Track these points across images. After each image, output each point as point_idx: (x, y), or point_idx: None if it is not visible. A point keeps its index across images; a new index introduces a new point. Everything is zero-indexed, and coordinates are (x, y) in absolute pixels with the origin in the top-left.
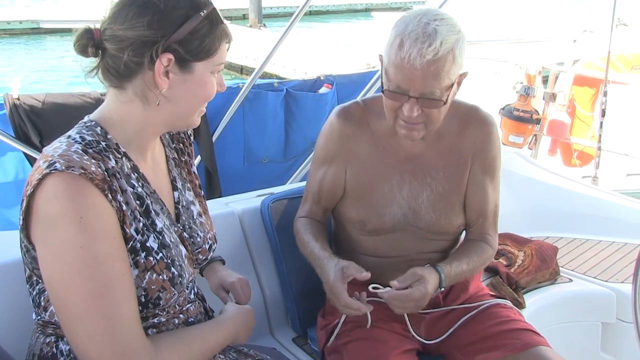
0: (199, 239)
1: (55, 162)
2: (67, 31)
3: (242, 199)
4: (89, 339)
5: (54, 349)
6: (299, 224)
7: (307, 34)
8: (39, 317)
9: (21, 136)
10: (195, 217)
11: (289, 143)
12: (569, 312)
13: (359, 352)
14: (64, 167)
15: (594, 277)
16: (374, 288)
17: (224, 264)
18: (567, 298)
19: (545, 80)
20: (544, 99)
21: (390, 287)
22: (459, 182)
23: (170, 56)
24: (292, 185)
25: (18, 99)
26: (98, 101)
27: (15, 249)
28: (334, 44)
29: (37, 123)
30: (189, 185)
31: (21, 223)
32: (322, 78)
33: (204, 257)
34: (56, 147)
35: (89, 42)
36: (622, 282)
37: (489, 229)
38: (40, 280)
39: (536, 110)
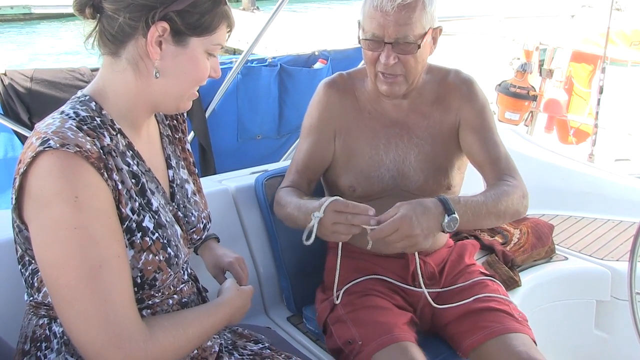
0: (193, 218)
1: (49, 140)
2: (60, 16)
3: (236, 177)
4: (82, 321)
5: (47, 331)
6: (280, 192)
7: (299, 14)
8: (31, 298)
9: (9, 113)
10: (189, 195)
11: (283, 119)
12: (564, 290)
13: (364, 319)
14: (58, 145)
15: (589, 255)
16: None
17: (218, 241)
18: (562, 276)
19: (542, 57)
20: (540, 75)
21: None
22: (445, 141)
23: (166, 25)
24: (286, 162)
25: (5, 74)
26: (88, 76)
27: (5, 229)
28: (326, 25)
29: (25, 99)
30: (182, 163)
31: (13, 202)
32: (316, 53)
33: (198, 237)
34: (49, 123)
35: (88, 1)
36: (617, 260)
37: (505, 169)
38: (32, 261)
39: (533, 87)
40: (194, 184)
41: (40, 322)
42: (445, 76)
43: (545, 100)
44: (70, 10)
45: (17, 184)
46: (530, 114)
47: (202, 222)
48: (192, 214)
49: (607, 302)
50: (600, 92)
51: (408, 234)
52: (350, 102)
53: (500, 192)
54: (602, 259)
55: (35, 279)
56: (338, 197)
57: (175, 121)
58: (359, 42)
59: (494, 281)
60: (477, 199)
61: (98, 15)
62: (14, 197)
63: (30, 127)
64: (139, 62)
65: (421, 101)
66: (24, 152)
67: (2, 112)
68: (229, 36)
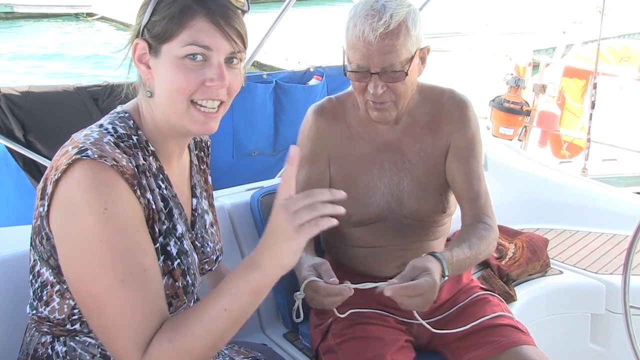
0: (208, 249)
1: (87, 149)
2: (44, 16)
3: (232, 193)
4: (104, 331)
5: (49, 350)
6: None
7: (290, 20)
8: (34, 312)
9: (4, 130)
10: (207, 226)
11: (279, 135)
12: (559, 304)
13: (354, 352)
14: (96, 156)
15: (584, 269)
16: (367, 282)
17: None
18: (557, 290)
19: (535, 71)
20: (534, 90)
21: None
22: (437, 165)
23: (143, 42)
24: None
25: None
26: (83, 94)
27: (2, 246)
28: (317, 30)
29: (19, 116)
30: (205, 193)
31: (46, 209)
32: (311, 69)
33: (209, 268)
34: (87, 134)
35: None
36: (611, 274)
37: (484, 208)
38: (44, 272)
39: (526, 102)
40: (212, 215)
41: (43, 339)
42: (439, 97)
43: (539, 115)
44: (53, 10)
45: (49, 191)
46: (524, 129)
47: (216, 254)
48: (208, 244)
49: (602, 316)
50: (592, 107)
51: (430, 299)
52: (341, 128)
53: (481, 239)
54: (596, 273)
55: (45, 292)
56: (314, 278)
57: (202, 152)
58: (345, 73)
59: (494, 296)
60: (466, 253)
61: None
62: (46, 204)
63: (25, 144)
64: (144, 86)
65: (414, 124)
66: (58, 159)
67: None
68: (219, 30)
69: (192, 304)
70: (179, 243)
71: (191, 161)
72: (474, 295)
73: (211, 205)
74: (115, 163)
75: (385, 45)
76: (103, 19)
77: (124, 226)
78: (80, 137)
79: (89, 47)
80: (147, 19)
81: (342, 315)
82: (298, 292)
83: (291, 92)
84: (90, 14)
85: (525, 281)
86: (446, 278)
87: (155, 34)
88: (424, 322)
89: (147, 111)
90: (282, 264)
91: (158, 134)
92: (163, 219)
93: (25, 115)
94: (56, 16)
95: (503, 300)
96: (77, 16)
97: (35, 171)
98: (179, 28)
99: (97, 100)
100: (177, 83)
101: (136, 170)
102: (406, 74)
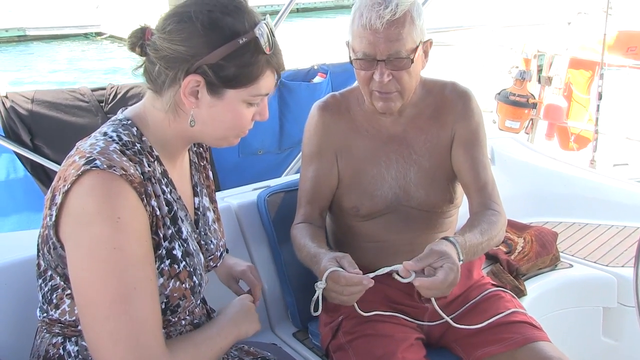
0: (212, 246)
1: (95, 159)
2: (55, 37)
3: (238, 193)
4: (113, 342)
5: (61, 350)
6: (295, 231)
7: (296, 32)
8: (45, 315)
9: (11, 135)
10: (210, 223)
11: (284, 134)
12: (570, 298)
13: (365, 349)
14: (105, 166)
15: (595, 262)
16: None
17: (227, 252)
18: (568, 284)
19: (540, 65)
20: (539, 82)
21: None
22: (443, 155)
23: (199, 78)
24: (288, 177)
25: (6, 96)
26: (88, 97)
27: (12, 250)
28: (323, 41)
29: (27, 121)
30: (206, 190)
31: (53, 219)
32: (315, 67)
33: (214, 264)
34: (92, 143)
35: (139, 40)
36: (622, 266)
37: (491, 196)
38: (55, 277)
39: (532, 95)
40: (214, 212)
41: (54, 340)
42: (442, 89)
43: (545, 107)
44: (63, 31)
45: (59, 201)
46: (531, 122)
47: (220, 250)
48: (211, 241)
49: (614, 309)
50: (599, 98)
51: (454, 284)
52: (346, 122)
53: (491, 225)
54: (607, 265)
55: (55, 295)
56: (336, 268)
57: (201, 148)
58: (351, 63)
59: (506, 292)
60: (478, 237)
61: (145, 54)
62: (54, 214)
63: (32, 149)
64: (177, 108)
65: (418, 116)
66: (65, 170)
67: (3, 134)
68: (277, 82)
69: (198, 302)
70: (185, 245)
71: (190, 160)
72: (486, 292)
73: (213, 202)
74: (124, 172)
75: (392, 32)
76: (112, 37)
77: (135, 235)
78: (86, 147)
79: (98, 64)
80: (213, 60)
81: (367, 314)
82: (319, 282)
83: (296, 90)
84: (99, 34)
85: (535, 275)
86: (461, 262)
87: (224, 77)
88: (449, 320)
89: (162, 123)
90: (241, 337)
91: (167, 143)
92: (168, 223)
93: (32, 119)
94: (66, 37)
95: (515, 295)
96: (86, 36)
97: (43, 175)
98: (253, 81)
99: (102, 102)
100: (239, 123)
101: (142, 177)
102: (412, 61)
